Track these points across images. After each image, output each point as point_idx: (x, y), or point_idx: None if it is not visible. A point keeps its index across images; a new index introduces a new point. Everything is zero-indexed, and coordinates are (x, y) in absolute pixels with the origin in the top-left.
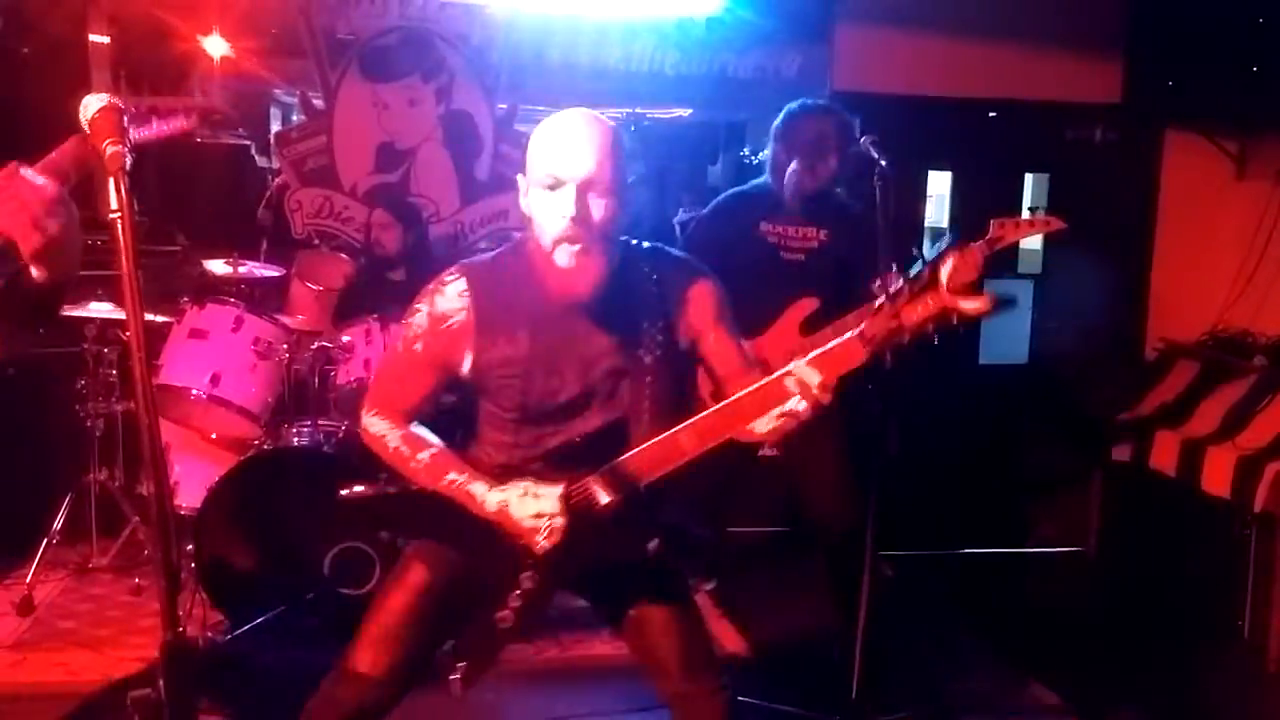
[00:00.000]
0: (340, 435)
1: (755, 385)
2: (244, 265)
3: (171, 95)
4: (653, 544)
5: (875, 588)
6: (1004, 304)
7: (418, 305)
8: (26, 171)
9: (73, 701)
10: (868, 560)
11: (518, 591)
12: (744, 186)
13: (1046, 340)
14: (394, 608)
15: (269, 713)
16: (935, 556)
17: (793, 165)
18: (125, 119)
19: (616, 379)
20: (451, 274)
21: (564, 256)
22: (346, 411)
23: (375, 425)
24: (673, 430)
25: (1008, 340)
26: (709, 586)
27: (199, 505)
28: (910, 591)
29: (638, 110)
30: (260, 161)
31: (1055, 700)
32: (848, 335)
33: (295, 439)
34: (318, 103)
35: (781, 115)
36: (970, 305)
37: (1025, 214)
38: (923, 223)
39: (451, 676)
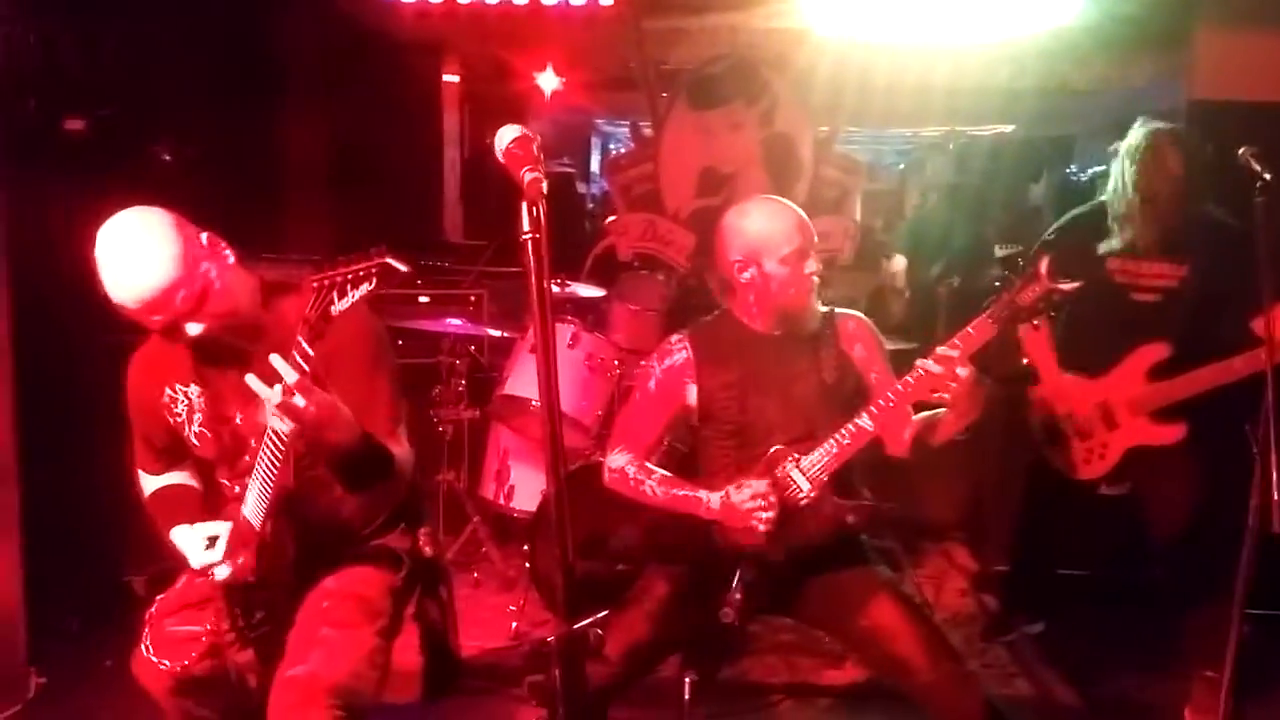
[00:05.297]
0: (666, 449)
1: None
2: (569, 286)
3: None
4: (850, 516)
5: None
6: None
7: (650, 361)
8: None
9: None
10: (1235, 622)
11: (736, 586)
12: (1085, 209)
13: None
14: (635, 608)
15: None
16: None
17: (1142, 195)
18: (536, 147)
19: (806, 396)
20: (675, 335)
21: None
22: None
23: (617, 460)
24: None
25: None
26: (1037, 629)
27: (533, 510)
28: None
29: (956, 128)
30: (579, 188)
31: None
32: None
33: None
34: (647, 131)
35: (1134, 136)
36: None
37: None
38: None
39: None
